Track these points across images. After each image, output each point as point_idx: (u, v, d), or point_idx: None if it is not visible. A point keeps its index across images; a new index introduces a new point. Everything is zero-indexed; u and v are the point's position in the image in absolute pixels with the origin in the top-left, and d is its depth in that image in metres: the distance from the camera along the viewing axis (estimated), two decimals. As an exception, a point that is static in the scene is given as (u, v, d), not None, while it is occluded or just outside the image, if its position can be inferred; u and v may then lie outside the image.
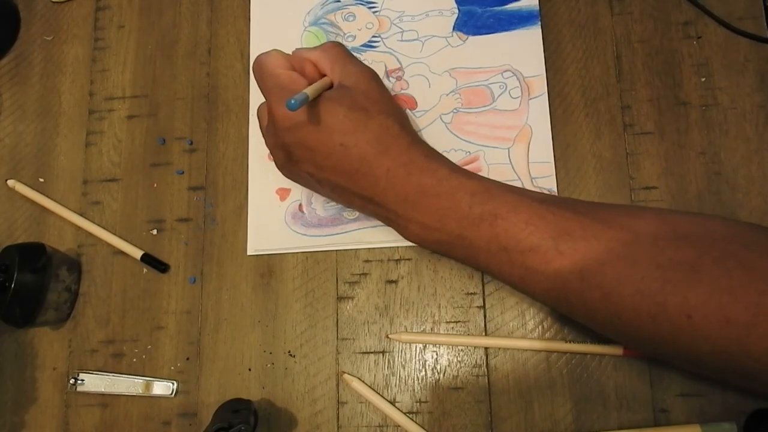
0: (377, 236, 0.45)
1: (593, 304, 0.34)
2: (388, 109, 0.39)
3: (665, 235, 0.32)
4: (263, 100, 0.43)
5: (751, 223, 0.36)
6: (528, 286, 0.37)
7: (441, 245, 0.39)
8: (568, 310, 0.37)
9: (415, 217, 0.38)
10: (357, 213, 0.46)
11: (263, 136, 0.45)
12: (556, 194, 0.45)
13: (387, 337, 0.45)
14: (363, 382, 0.44)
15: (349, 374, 0.44)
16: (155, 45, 0.52)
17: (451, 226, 0.37)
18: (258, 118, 0.45)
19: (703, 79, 0.46)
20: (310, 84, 0.39)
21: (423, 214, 0.37)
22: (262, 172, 0.48)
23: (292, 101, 0.35)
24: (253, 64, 0.42)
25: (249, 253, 0.47)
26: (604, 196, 0.45)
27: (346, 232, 0.46)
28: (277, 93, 0.39)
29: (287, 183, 0.47)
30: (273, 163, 0.45)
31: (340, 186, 0.40)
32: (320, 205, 0.47)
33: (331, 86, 0.41)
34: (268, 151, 0.47)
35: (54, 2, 0.54)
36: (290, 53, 0.43)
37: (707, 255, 0.31)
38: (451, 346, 0.44)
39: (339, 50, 0.42)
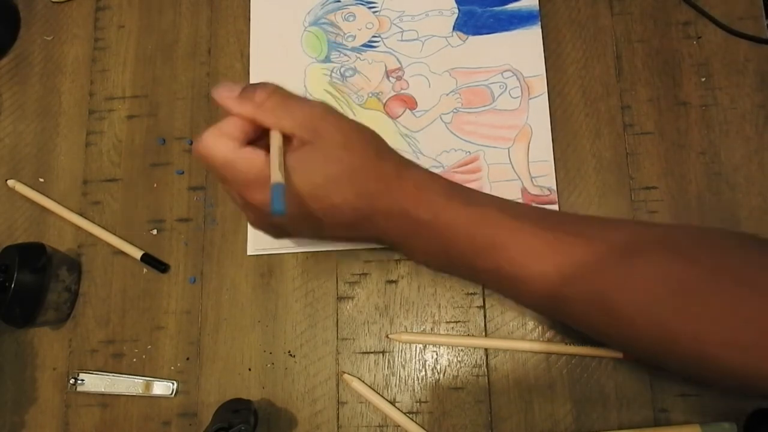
0: (377, 236, 0.45)
1: (600, 327, 0.34)
2: (360, 144, 0.36)
3: (671, 254, 0.33)
4: None
5: (749, 236, 0.36)
6: (535, 309, 0.38)
7: (446, 269, 0.40)
8: (573, 325, 0.37)
9: (418, 247, 0.38)
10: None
11: (248, 220, 0.41)
12: (556, 194, 0.45)
13: (387, 337, 0.45)
14: (363, 382, 0.44)
15: (349, 374, 0.44)
16: (155, 45, 0.52)
17: (453, 255, 0.37)
18: (234, 200, 0.39)
19: (703, 79, 0.46)
20: (265, 149, 0.34)
21: (425, 245, 0.37)
22: (262, 172, 0.48)
23: (276, 206, 0.31)
24: (195, 152, 0.36)
25: (249, 253, 0.47)
26: (604, 195, 0.45)
27: (346, 232, 0.46)
28: (242, 184, 0.35)
29: (287, 183, 0.46)
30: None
31: (343, 237, 0.40)
32: (320, 205, 0.47)
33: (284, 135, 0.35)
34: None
35: (54, 2, 0.54)
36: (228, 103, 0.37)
37: (710, 273, 0.31)
38: (451, 346, 0.44)
39: (276, 99, 0.36)
